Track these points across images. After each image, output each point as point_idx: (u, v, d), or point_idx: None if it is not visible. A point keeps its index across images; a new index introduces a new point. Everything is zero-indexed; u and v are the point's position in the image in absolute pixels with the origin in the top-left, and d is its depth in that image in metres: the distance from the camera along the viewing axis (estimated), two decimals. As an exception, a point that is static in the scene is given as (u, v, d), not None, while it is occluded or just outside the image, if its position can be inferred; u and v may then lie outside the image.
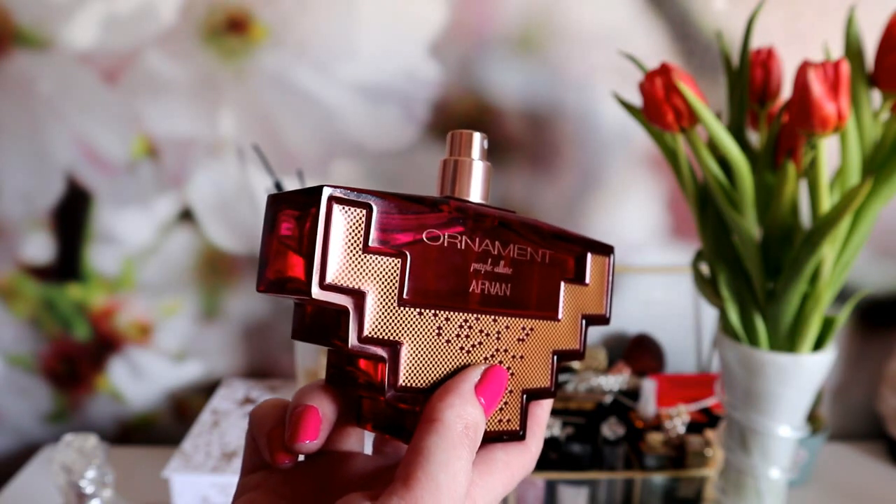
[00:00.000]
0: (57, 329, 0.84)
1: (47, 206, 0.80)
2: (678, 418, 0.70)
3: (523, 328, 0.28)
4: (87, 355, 0.86)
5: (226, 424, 0.75)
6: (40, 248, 0.82)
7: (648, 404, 0.72)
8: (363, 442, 0.30)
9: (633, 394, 0.76)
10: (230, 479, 0.66)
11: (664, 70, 0.50)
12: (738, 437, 0.56)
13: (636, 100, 0.57)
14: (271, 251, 0.24)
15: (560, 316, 0.29)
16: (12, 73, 0.76)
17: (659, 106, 0.50)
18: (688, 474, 0.68)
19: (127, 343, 0.85)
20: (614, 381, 0.76)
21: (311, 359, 0.77)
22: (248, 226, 0.82)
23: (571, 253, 0.30)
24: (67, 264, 0.82)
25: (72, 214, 0.81)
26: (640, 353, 0.81)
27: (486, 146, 0.29)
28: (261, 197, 0.80)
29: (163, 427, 0.89)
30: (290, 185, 0.76)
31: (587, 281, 0.30)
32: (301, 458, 0.27)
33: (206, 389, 0.87)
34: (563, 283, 0.29)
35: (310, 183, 0.78)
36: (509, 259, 0.27)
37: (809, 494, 0.75)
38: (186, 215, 0.81)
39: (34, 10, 0.74)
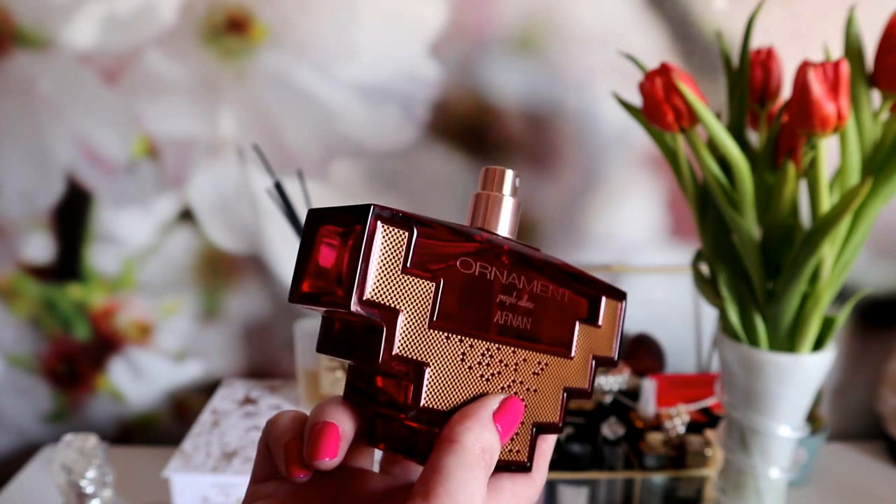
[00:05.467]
0: (57, 329, 0.84)
1: (47, 206, 0.80)
2: (678, 418, 0.70)
3: (539, 362, 0.29)
4: (87, 355, 0.86)
5: (226, 424, 0.75)
6: (40, 248, 0.82)
7: (648, 404, 0.72)
8: (373, 460, 0.30)
9: (633, 394, 0.76)
10: (230, 479, 0.66)
11: (664, 70, 0.50)
12: (738, 437, 0.56)
13: (636, 100, 0.57)
14: (310, 263, 0.25)
15: (573, 354, 0.30)
16: (12, 73, 0.76)
17: (659, 106, 0.51)
18: (688, 474, 0.68)
19: (127, 343, 0.85)
20: (614, 381, 0.76)
21: (311, 359, 0.77)
22: (248, 226, 0.82)
23: (587, 295, 0.31)
24: (67, 264, 0.82)
25: (72, 214, 0.81)
26: (640, 353, 0.81)
27: (517, 184, 0.30)
28: (261, 197, 0.80)
29: (163, 427, 0.89)
30: (290, 185, 0.76)
31: (599, 323, 0.31)
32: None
33: (206, 389, 0.87)
34: (577, 323, 0.30)
35: (310, 183, 0.78)
36: (532, 294, 0.28)
37: (809, 494, 0.75)
38: (186, 215, 0.81)
39: (34, 10, 0.74)
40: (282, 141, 0.79)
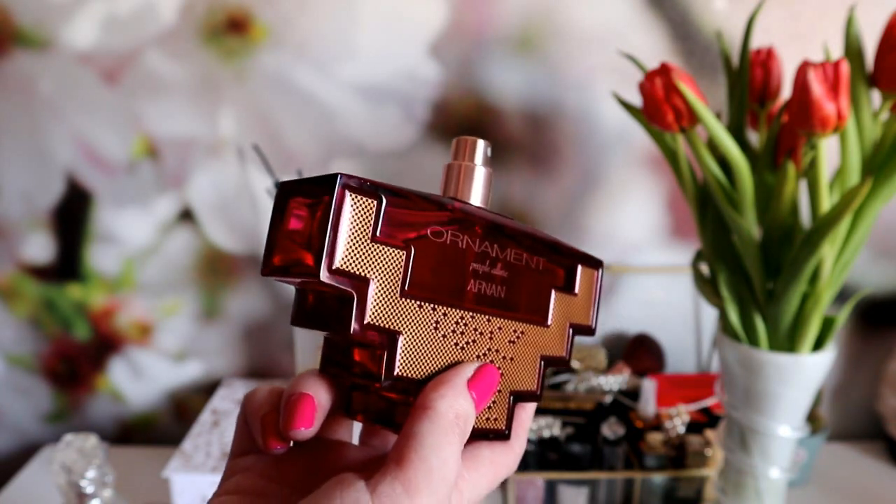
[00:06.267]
0: (57, 329, 0.84)
1: (47, 206, 0.80)
2: (678, 418, 0.70)
3: (514, 331, 0.29)
4: (87, 355, 0.86)
5: (226, 424, 0.75)
6: (40, 248, 0.82)
7: (648, 404, 0.72)
8: (352, 433, 0.31)
9: (633, 394, 0.76)
10: (230, 479, 0.66)
11: (664, 70, 0.50)
12: (738, 437, 0.56)
13: (636, 100, 0.57)
14: (280, 235, 0.25)
15: (549, 322, 0.30)
16: (12, 73, 0.76)
17: (659, 106, 0.50)
18: (688, 474, 0.68)
19: (127, 343, 0.85)
20: (614, 381, 0.76)
21: (311, 358, 0.77)
22: (248, 226, 0.82)
23: (562, 263, 0.31)
24: (67, 264, 0.82)
25: (72, 214, 0.81)
26: (640, 353, 0.81)
27: (489, 154, 0.30)
28: (261, 197, 0.80)
29: (163, 427, 0.89)
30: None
31: (576, 291, 0.31)
32: (291, 443, 0.27)
33: (206, 389, 0.87)
34: (553, 291, 0.30)
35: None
36: (506, 262, 0.28)
37: (809, 494, 0.75)
38: (186, 215, 0.81)
39: (34, 10, 0.74)
40: (282, 141, 0.79)
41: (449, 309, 0.26)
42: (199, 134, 0.78)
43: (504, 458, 0.28)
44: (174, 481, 0.66)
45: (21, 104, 0.77)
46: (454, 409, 0.24)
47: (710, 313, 0.84)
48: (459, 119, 0.78)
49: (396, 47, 0.76)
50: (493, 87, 0.78)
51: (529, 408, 0.30)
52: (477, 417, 0.26)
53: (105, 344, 0.85)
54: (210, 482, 0.66)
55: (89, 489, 0.57)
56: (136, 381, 0.87)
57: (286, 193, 0.25)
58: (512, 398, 0.29)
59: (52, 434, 0.88)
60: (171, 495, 0.67)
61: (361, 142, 0.79)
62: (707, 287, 0.58)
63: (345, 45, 0.76)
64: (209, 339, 0.86)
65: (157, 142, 0.78)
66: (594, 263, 0.32)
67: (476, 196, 0.29)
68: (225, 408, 0.79)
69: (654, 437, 0.69)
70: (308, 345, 0.77)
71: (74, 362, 0.86)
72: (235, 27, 0.75)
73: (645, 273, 0.83)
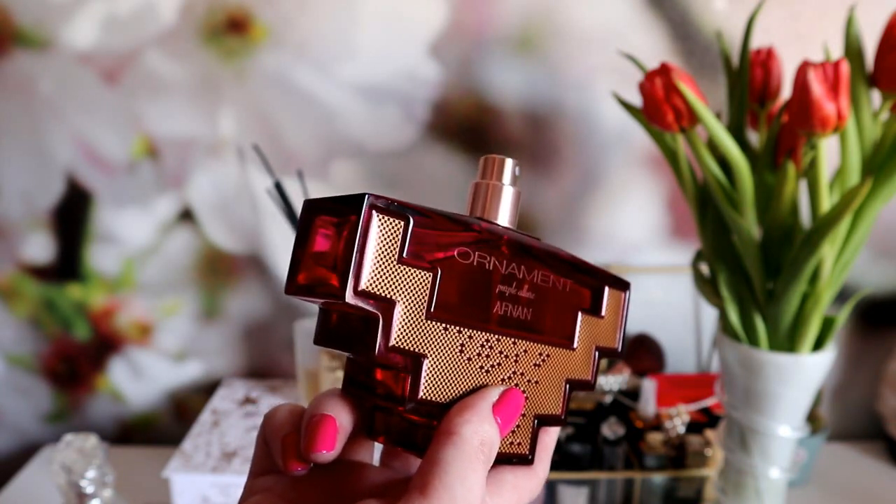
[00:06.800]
0: (57, 329, 0.84)
1: (47, 206, 0.80)
2: (678, 418, 0.70)
3: (540, 354, 0.28)
4: (87, 355, 0.86)
5: (226, 424, 0.75)
6: (40, 248, 0.82)
7: (648, 404, 0.72)
8: (373, 454, 0.30)
9: (633, 394, 0.76)
10: (230, 479, 0.66)
11: (664, 70, 0.50)
12: (738, 437, 0.56)
13: (636, 100, 0.57)
14: (305, 254, 0.24)
15: (575, 345, 0.29)
16: (12, 73, 0.76)
17: (659, 106, 0.50)
18: (688, 474, 0.68)
19: (127, 343, 0.85)
20: (614, 381, 0.76)
21: (311, 359, 0.77)
22: (248, 226, 0.82)
23: (589, 285, 0.30)
24: (67, 264, 0.82)
25: (72, 214, 0.81)
26: (640, 353, 0.81)
27: (517, 173, 0.29)
28: (261, 197, 0.80)
29: (163, 427, 0.89)
30: (290, 185, 0.76)
31: (603, 314, 0.30)
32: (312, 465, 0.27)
33: (206, 389, 0.87)
34: (580, 314, 0.30)
35: (310, 183, 0.78)
36: (532, 284, 0.28)
37: (809, 494, 0.75)
38: (186, 215, 0.81)
39: (34, 10, 0.74)
40: (282, 141, 0.79)
41: (474, 331, 0.26)
42: (199, 134, 0.78)
43: (527, 483, 0.27)
44: (174, 481, 0.66)
45: (21, 104, 0.77)
46: (479, 435, 0.24)
47: (710, 313, 0.84)
48: (459, 119, 0.78)
49: (396, 47, 0.76)
50: (493, 87, 0.78)
51: (553, 432, 0.29)
52: (501, 441, 0.26)
53: (105, 344, 0.85)
54: (210, 482, 0.66)
55: (89, 489, 0.57)
56: (136, 381, 0.87)
57: (312, 211, 0.25)
58: (536, 422, 0.28)
59: (52, 434, 0.88)
60: (171, 495, 0.67)
61: (361, 142, 0.79)
62: (707, 287, 0.58)
63: (345, 45, 0.76)
64: (209, 339, 0.86)
65: (157, 142, 0.78)
66: (622, 285, 0.31)
67: (503, 216, 0.28)
68: (225, 408, 0.79)
69: (654, 437, 0.69)
70: (308, 345, 0.77)
71: (74, 362, 0.86)
72: (235, 27, 0.75)
73: (645, 273, 0.83)
